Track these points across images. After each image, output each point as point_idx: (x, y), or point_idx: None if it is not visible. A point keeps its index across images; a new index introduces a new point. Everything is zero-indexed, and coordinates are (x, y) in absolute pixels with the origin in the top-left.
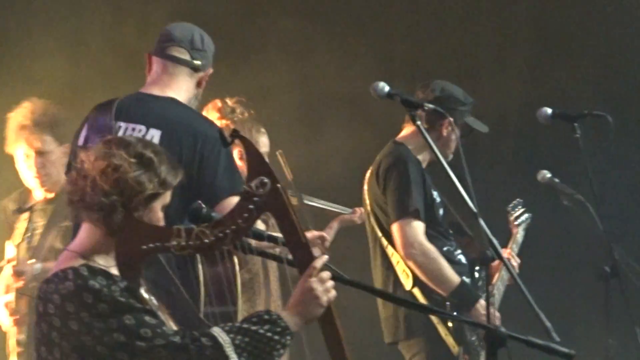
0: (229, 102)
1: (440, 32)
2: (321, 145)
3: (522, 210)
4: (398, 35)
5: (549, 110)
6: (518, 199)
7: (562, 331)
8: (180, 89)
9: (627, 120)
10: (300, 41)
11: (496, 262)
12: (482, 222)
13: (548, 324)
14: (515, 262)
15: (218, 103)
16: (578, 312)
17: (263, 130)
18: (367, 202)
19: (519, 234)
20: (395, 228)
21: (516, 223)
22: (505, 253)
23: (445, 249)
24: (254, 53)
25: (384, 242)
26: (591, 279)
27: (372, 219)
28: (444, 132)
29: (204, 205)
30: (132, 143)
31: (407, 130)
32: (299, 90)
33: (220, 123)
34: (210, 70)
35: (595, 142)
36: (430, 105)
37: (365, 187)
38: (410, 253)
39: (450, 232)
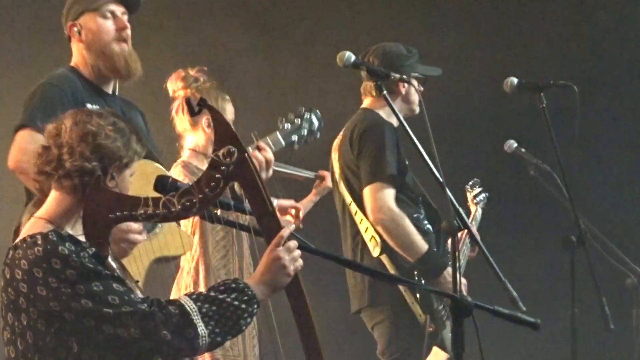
0: (192, 71)
1: (406, 1)
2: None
3: (479, 189)
4: (365, 3)
5: (515, 80)
6: (475, 178)
7: (528, 301)
8: None
9: (593, 90)
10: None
11: (461, 234)
12: (448, 192)
13: (514, 293)
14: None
15: (181, 73)
16: (544, 282)
17: (228, 98)
18: (337, 169)
19: (478, 212)
20: (366, 192)
21: (475, 201)
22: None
23: (415, 216)
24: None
25: (353, 208)
26: (557, 248)
27: (343, 185)
28: (402, 90)
29: (170, 176)
30: (104, 112)
31: (370, 99)
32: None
33: (185, 92)
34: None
35: (561, 112)
36: (397, 75)
37: (334, 154)
38: (379, 218)
39: (421, 199)
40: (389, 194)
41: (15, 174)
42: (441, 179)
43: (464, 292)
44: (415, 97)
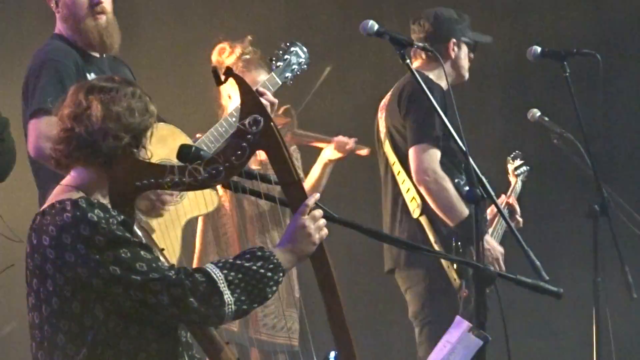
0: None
1: None
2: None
3: (521, 162)
4: None
5: (538, 49)
6: (517, 151)
7: (551, 270)
8: None
9: (616, 59)
10: None
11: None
12: (471, 161)
13: (537, 262)
14: (517, 207)
15: (224, 44)
16: (567, 251)
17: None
18: (383, 128)
19: (518, 184)
20: (411, 152)
21: (516, 173)
22: (506, 199)
23: (456, 181)
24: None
25: (397, 168)
26: (580, 217)
27: (388, 145)
28: (452, 54)
29: (192, 145)
30: (117, 83)
31: (420, 60)
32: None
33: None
34: None
35: (584, 80)
36: (419, 44)
37: (380, 114)
38: (423, 179)
39: (463, 165)
40: (434, 155)
41: (39, 160)
42: (464, 148)
43: (500, 261)
44: (464, 63)
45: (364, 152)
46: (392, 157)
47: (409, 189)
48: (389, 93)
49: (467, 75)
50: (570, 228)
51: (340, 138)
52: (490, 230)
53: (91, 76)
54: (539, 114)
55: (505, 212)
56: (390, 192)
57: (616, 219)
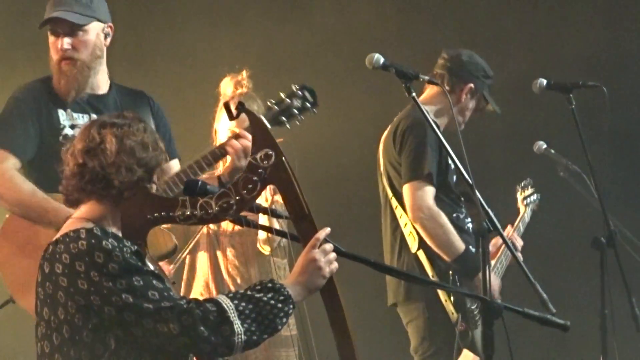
0: (241, 76)
1: (436, 2)
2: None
3: (532, 190)
4: (394, 5)
5: (544, 81)
6: (529, 178)
7: (558, 302)
8: None
9: (622, 91)
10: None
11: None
12: (477, 194)
13: (544, 295)
14: (518, 243)
15: (233, 77)
16: (574, 283)
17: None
18: (381, 162)
19: (527, 213)
20: (405, 189)
21: (525, 202)
22: (510, 231)
23: (454, 215)
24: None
25: (394, 202)
26: (587, 249)
27: (385, 179)
28: (463, 98)
29: (200, 179)
30: (129, 118)
31: (428, 92)
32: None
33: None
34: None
35: (590, 113)
36: (425, 77)
37: (381, 146)
38: (418, 216)
39: (462, 199)
40: (429, 192)
41: None
42: (470, 181)
43: (497, 293)
44: (468, 113)
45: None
46: (389, 192)
47: (406, 224)
48: (389, 126)
49: (462, 127)
50: (577, 260)
51: None
52: (492, 262)
53: (66, 113)
54: (545, 146)
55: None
56: (389, 226)
57: (623, 250)
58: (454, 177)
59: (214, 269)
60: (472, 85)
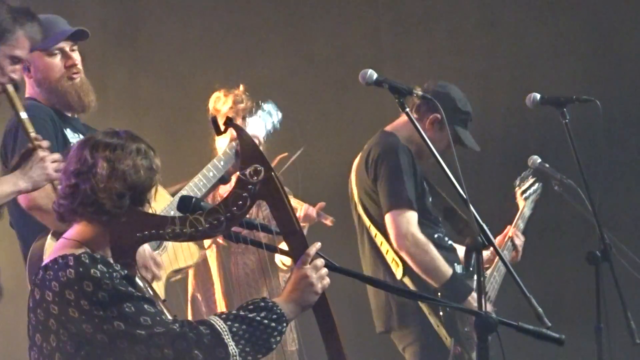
0: (235, 91)
1: (428, 18)
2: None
3: (531, 180)
4: (385, 22)
5: (538, 96)
6: (529, 169)
7: (553, 316)
8: None
9: (616, 105)
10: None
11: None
12: (472, 209)
13: (539, 309)
14: (519, 240)
15: (223, 93)
16: (569, 297)
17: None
18: (355, 191)
19: (527, 207)
20: (388, 219)
21: (524, 196)
22: (510, 231)
23: (436, 236)
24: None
25: (373, 231)
26: (582, 263)
27: (360, 208)
28: (427, 128)
29: (193, 196)
30: (123, 139)
31: (398, 120)
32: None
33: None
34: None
35: (584, 127)
36: (419, 92)
37: (353, 175)
38: (403, 244)
39: (440, 219)
40: (412, 218)
41: (31, 212)
42: (465, 196)
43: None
44: (441, 145)
45: (328, 222)
46: (366, 221)
47: (388, 251)
48: (360, 154)
49: (427, 159)
50: (572, 274)
51: (308, 211)
52: (487, 272)
53: (67, 132)
54: (539, 160)
55: (509, 245)
56: (369, 254)
57: (618, 264)
58: (430, 198)
59: (224, 282)
60: (437, 115)
